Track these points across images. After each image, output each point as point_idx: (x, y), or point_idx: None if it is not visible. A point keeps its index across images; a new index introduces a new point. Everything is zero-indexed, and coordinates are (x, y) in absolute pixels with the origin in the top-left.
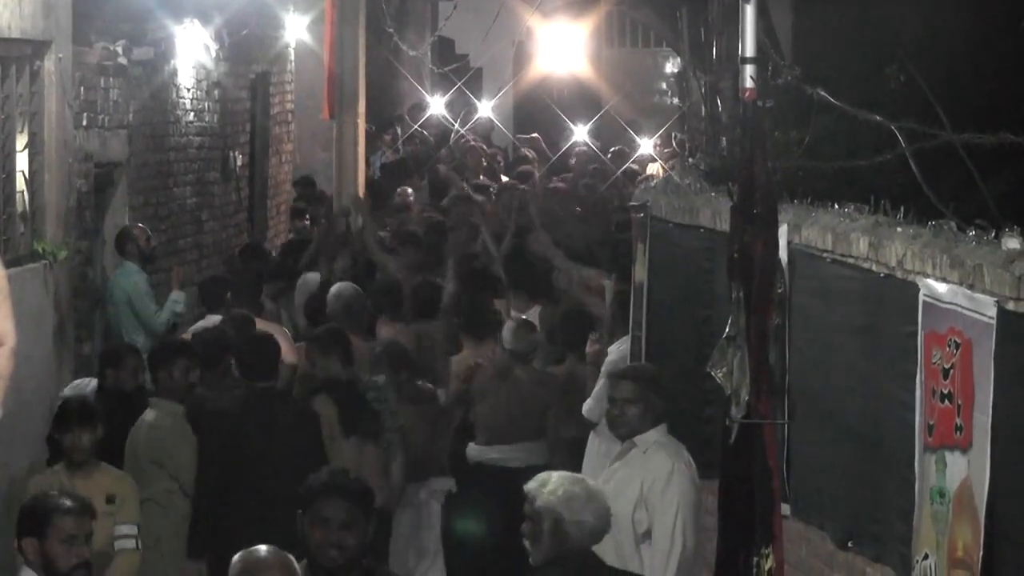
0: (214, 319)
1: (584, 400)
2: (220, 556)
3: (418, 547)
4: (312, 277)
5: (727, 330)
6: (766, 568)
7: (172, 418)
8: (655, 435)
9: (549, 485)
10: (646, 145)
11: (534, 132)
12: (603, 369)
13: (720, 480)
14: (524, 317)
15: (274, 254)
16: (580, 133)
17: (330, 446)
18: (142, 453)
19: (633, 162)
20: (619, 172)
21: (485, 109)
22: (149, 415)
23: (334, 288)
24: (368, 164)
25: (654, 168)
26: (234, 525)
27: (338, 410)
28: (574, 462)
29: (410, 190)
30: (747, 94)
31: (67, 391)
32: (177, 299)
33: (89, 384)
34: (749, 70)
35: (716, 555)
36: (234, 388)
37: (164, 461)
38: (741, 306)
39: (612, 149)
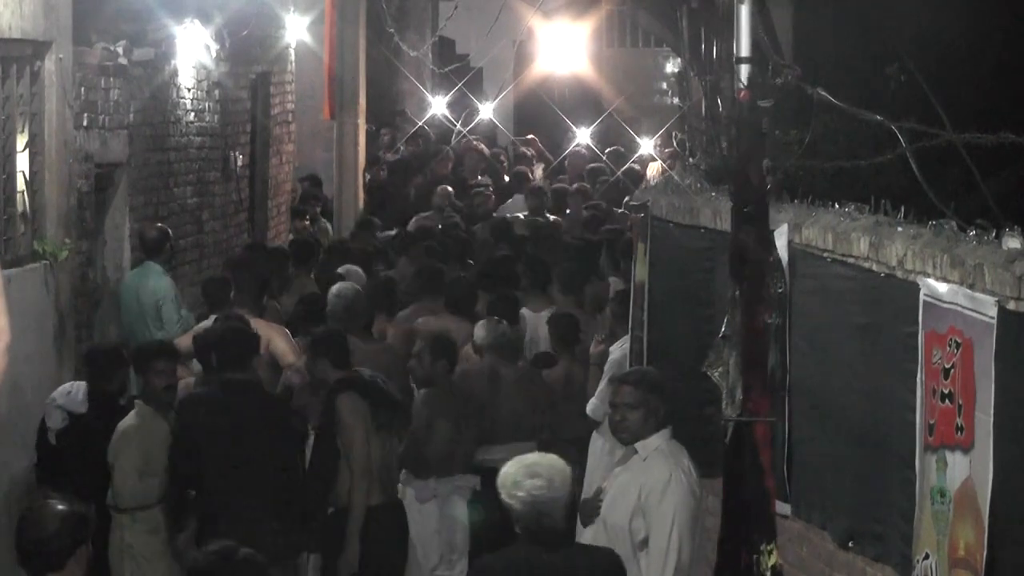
0: None
1: (581, 400)
2: (199, 545)
3: (442, 541)
4: (354, 269)
5: (723, 329)
6: (768, 564)
7: (141, 422)
8: (657, 441)
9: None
10: (646, 145)
11: (535, 132)
12: (606, 368)
13: (723, 479)
14: (496, 317)
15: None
16: (583, 136)
17: (360, 442)
18: (109, 456)
19: (634, 162)
20: (619, 173)
21: (486, 110)
22: (127, 419)
23: (335, 288)
24: (378, 162)
25: (655, 168)
26: (209, 516)
27: (370, 405)
28: (576, 462)
29: (450, 188)
30: (742, 94)
31: (57, 396)
32: (187, 316)
33: (80, 390)
34: (744, 70)
35: (717, 553)
36: None
37: (112, 463)
38: (737, 305)
39: (608, 149)
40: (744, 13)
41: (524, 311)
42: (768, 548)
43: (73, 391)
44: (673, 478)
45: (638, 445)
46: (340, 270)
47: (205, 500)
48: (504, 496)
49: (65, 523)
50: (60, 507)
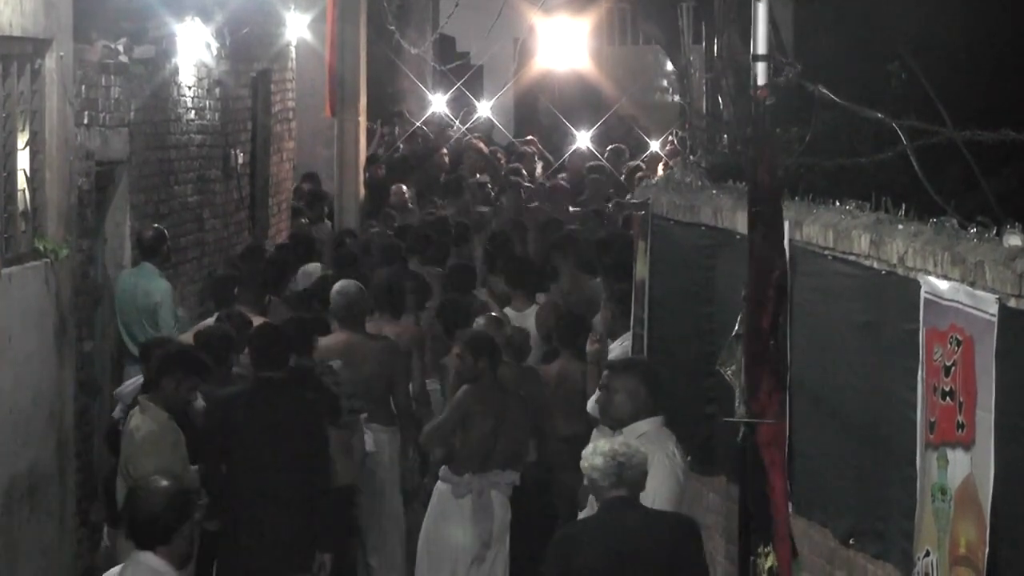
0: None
1: (578, 397)
2: (223, 544)
3: (475, 537)
4: (312, 267)
5: (736, 327)
6: (765, 567)
7: (151, 426)
8: (644, 426)
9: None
10: (653, 145)
11: (535, 130)
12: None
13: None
14: (494, 314)
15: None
16: (583, 139)
17: None
18: (122, 460)
19: (643, 160)
20: (620, 176)
21: (484, 109)
22: (135, 420)
23: (337, 285)
24: (377, 160)
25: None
26: (234, 514)
27: None
28: (574, 458)
29: (405, 188)
30: (759, 92)
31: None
32: (183, 318)
33: (134, 384)
34: (760, 68)
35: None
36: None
37: (133, 473)
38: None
39: (609, 147)
40: (761, 10)
41: (508, 310)
42: (765, 551)
43: (130, 382)
44: (656, 460)
45: (625, 430)
46: (307, 267)
47: (229, 500)
48: (585, 466)
49: (172, 500)
50: (166, 484)
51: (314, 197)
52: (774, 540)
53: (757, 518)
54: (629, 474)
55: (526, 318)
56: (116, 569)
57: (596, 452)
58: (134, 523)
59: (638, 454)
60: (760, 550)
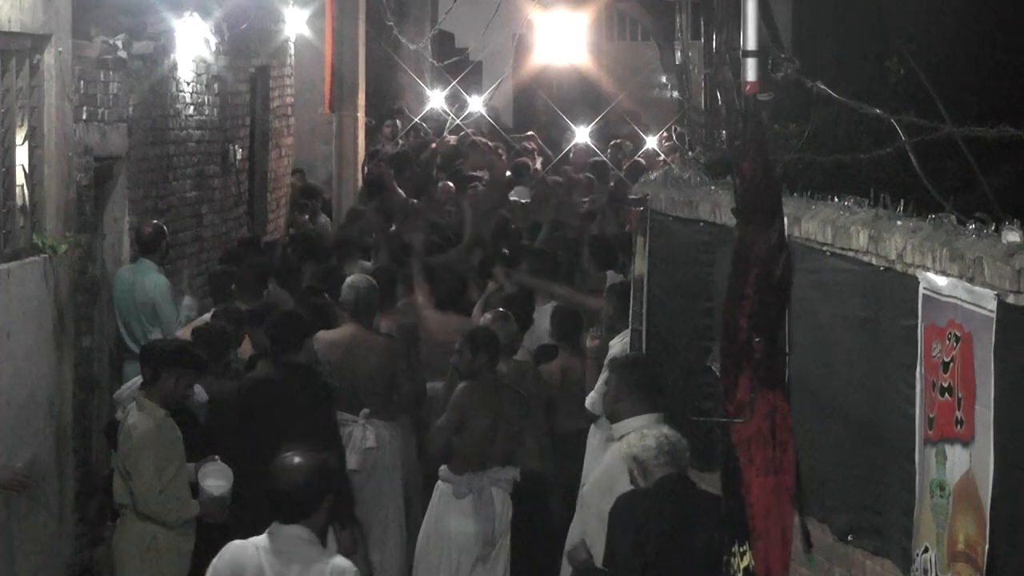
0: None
1: (579, 393)
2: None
3: (478, 536)
4: (364, 264)
5: None
6: (741, 566)
7: (148, 423)
8: (635, 423)
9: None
10: (651, 141)
11: (533, 126)
12: (606, 363)
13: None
14: (502, 310)
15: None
16: (582, 134)
17: None
18: (119, 457)
19: (640, 156)
20: (621, 173)
21: (477, 104)
22: (132, 417)
23: (349, 279)
24: (376, 155)
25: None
26: (247, 500)
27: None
28: (573, 454)
29: (452, 184)
30: (749, 87)
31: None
32: (190, 305)
33: (130, 388)
34: (751, 64)
35: None
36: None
37: (130, 469)
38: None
39: (612, 143)
40: (752, 6)
41: None
42: (741, 550)
43: (127, 385)
44: None
45: (616, 426)
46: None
47: (247, 481)
48: (634, 450)
49: (312, 474)
50: (306, 459)
51: (307, 192)
52: (751, 539)
53: (733, 516)
54: (679, 456)
55: (543, 314)
56: (259, 539)
57: (646, 436)
58: (276, 497)
59: (683, 440)
60: (735, 549)
